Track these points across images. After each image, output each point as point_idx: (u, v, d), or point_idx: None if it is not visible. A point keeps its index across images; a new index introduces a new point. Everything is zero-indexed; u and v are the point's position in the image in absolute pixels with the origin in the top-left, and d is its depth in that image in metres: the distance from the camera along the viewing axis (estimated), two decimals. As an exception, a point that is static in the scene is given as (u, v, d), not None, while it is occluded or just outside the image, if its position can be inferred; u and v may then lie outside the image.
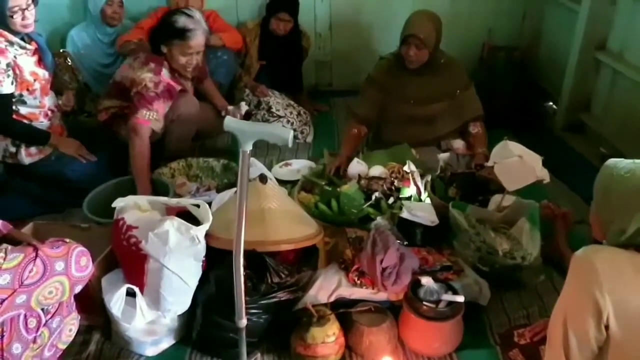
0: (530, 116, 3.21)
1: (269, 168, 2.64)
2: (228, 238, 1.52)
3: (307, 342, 1.58)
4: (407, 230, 1.98)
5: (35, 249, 1.33)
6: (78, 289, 1.42)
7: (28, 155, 2.30)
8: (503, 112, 2.99)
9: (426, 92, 2.56)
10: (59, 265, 1.34)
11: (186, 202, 1.75)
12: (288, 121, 3.01)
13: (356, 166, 2.43)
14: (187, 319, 1.72)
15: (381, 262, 1.69)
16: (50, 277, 1.32)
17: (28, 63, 2.19)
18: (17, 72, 2.14)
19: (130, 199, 1.72)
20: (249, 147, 1.22)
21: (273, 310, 1.64)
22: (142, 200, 1.74)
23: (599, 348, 1.14)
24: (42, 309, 1.39)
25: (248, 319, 1.38)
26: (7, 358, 1.33)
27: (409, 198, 2.20)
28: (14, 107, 2.20)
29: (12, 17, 2.06)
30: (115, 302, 1.59)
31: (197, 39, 2.33)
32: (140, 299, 1.59)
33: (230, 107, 2.71)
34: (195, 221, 1.65)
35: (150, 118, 2.32)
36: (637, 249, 1.12)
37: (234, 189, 2.08)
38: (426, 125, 2.64)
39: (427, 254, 1.90)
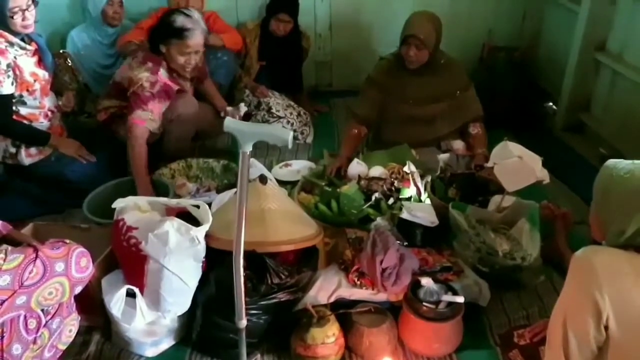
0: (530, 117, 3.21)
1: (269, 169, 2.64)
2: (228, 239, 1.52)
3: (307, 342, 1.58)
4: (407, 230, 1.98)
5: (35, 250, 1.33)
6: (78, 289, 1.42)
7: (28, 156, 2.30)
8: (503, 113, 2.99)
9: (426, 93, 2.57)
10: (59, 266, 1.35)
11: (186, 202, 1.75)
12: (288, 122, 3.01)
13: (356, 167, 2.43)
14: (187, 320, 1.72)
15: (381, 262, 1.69)
16: (50, 278, 1.32)
17: (28, 64, 2.20)
18: (17, 72, 2.15)
19: (130, 200, 1.72)
20: (248, 148, 1.22)
21: (273, 311, 1.64)
22: (142, 201, 1.74)
23: (598, 348, 1.14)
24: (42, 310, 1.39)
25: (248, 320, 1.38)
26: (7, 359, 1.33)
27: (408, 199, 2.20)
28: (14, 108, 2.21)
29: (12, 17, 2.06)
30: (115, 302, 1.59)
31: (196, 39, 2.33)
32: (140, 300, 1.59)
33: (229, 108, 2.71)
34: (195, 222, 1.65)
35: (145, 118, 2.32)
36: (637, 249, 1.12)
37: (234, 190, 2.08)
38: (426, 125, 2.64)
39: (427, 255, 1.90)
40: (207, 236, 1.65)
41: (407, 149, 2.54)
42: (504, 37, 3.56)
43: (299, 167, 2.70)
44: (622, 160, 1.21)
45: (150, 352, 1.67)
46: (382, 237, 1.78)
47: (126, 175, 2.42)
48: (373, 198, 2.20)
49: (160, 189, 2.31)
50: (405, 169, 2.25)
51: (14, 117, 2.22)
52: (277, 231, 1.73)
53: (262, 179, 1.84)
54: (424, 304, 1.60)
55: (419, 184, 2.20)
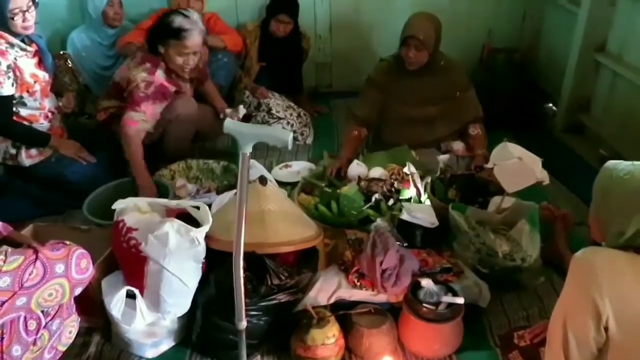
0: (529, 117, 3.21)
1: (269, 170, 2.64)
2: (228, 240, 1.52)
3: (307, 343, 1.58)
4: (407, 231, 1.98)
5: (36, 252, 1.33)
6: (78, 291, 1.42)
7: (28, 157, 2.30)
8: (503, 114, 2.99)
9: (426, 94, 2.57)
10: (59, 268, 1.35)
11: (186, 203, 1.75)
12: (288, 123, 3.01)
13: (356, 168, 2.43)
14: (187, 321, 1.72)
15: (381, 263, 1.69)
16: (50, 279, 1.32)
17: (28, 65, 2.20)
18: (18, 73, 2.15)
19: (130, 201, 1.72)
20: (248, 149, 1.23)
21: (273, 312, 1.64)
22: (142, 202, 1.74)
23: (598, 350, 1.14)
24: (42, 311, 1.39)
25: (248, 321, 1.38)
26: (7, 360, 1.34)
27: (408, 200, 2.20)
28: (14, 109, 2.21)
29: (12, 19, 2.06)
30: (115, 304, 1.59)
31: (194, 39, 2.33)
32: (140, 301, 1.59)
33: (228, 110, 2.71)
34: (195, 223, 1.65)
35: (138, 119, 2.33)
36: (636, 250, 1.12)
37: (234, 191, 2.08)
38: (426, 126, 2.65)
39: (427, 256, 1.90)
40: (207, 237, 1.65)
41: (407, 150, 2.54)
42: (504, 38, 3.56)
43: (298, 168, 2.70)
44: (621, 161, 1.21)
45: (150, 353, 1.67)
46: (382, 238, 1.78)
47: (126, 176, 2.42)
48: (373, 199, 2.20)
49: (160, 190, 2.31)
50: (405, 170, 2.25)
51: (14, 118, 2.22)
52: (277, 232, 1.73)
53: (262, 180, 1.85)
54: (424, 305, 1.60)
55: (419, 185, 2.20)
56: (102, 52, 3.09)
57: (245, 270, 1.36)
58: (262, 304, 1.61)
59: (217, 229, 1.67)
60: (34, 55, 2.24)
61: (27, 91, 2.21)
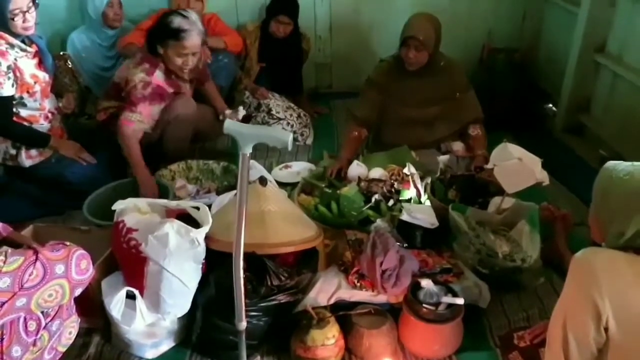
0: (529, 118, 3.21)
1: (269, 170, 2.64)
2: (228, 240, 1.52)
3: (307, 344, 1.58)
4: (406, 232, 1.98)
5: (36, 252, 1.33)
6: (78, 292, 1.42)
7: (28, 158, 2.30)
8: (503, 114, 2.99)
9: (426, 95, 2.57)
10: (59, 269, 1.35)
11: (186, 204, 1.76)
12: (288, 123, 3.02)
13: (356, 168, 2.43)
14: (187, 322, 1.72)
15: (381, 264, 1.69)
16: (50, 280, 1.32)
17: (28, 65, 2.20)
18: (18, 74, 2.15)
19: (130, 202, 1.72)
20: (248, 150, 1.23)
21: (273, 312, 1.64)
22: (142, 202, 1.74)
23: (598, 350, 1.14)
24: (42, 312, 1.39)
25: (248, 322, 1.38)
26: (6, 361, 1.34)
27: (408, 200, 2.20)
28: (14, 110, 2.21)
29: (13, 19, 2.06)
30: (115, 304, 1.59)
31: (192, 40, 2.33)
32: (140, 302, 1.59)
33: (227, 111, 2.71)
34: (195, 223, 1.65)
35: (134, 120, 2.34)
36: (636, 251, 1.12)
37: (234, 192, 2.08)
38: (426, 127, 2.65)
39: (427, 257, 1.90)
40: (207, 238, 1.65)
41: (407, 150, 2.54)
42: (504, 38, 3.57)
43: (298, 169, 2.70)
44: (621, 162, 1.21)
45: (150, 353, 1.67)
46: (382, 238, 1.78)
47: (126, 177, 2.42)
48: (373, 200, 2.20)
49: (160, 191, 2.31)
50: (405, 170, 2.25)
51: (14, 118, 2.22)
52: (277, 233, 1.73)
53: (262, 181, 1.85)
54: (424, 305, 1.60)
55: (419, 186, 2.20)
56: (101, 53, 3.10)
57: (245, 270, 1.36)
58: (262, 304, 1.61)
59: (217, 230, 1.67)
60: (34, 56, 2.24)
61: (27, 92, 2.21)
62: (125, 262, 1.67)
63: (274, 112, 3.03)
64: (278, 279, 1.63)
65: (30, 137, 2.30)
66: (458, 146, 2.66)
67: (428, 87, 2.55)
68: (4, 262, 1.27)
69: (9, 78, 2.11)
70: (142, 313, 1.59)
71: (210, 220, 1.64)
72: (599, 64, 2.88)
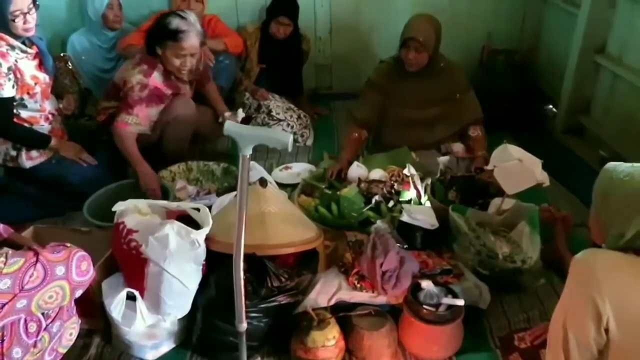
0: (530, 119, 3.21)
1: (269, 171, 2.64)
2: (228, 242, 1.52)
3: (307, 345, 1.58)
4: (407, 233, 1.98)
5: (36, 254, 1.33)
6: (78, 293, 1.42)
7: (29, 159, 2.30)
8: (503, 115, 2.99)
9: (426, 96, 2.57)
10: (60, 270, 1.35)
11: (186, 205, 1.76)
12: (288, 124, 3.02)
13: (356, 169, 2.43)
14: (187, 323, 1.72)
15: (381, 265, 1.69)
16: (51, 281, 1.32)
17: (29, 67, 2.20)
18: (18, 75, 2.15)
19: (130, 203, 1.72)
20: (248, 151, 1.23)
21: (273, 313, 1.64)
22: (142, 204, 1.74)
23: (599, 351, 1.14)
24: (43, 314, 1.39)
25: (248, 323, 1.38)
26: (7, 362, 1.33)
27: (409, 201, 2.20)
28: (14, 111, 2.21)
29: (13, 20, 2.06)
30: (116, 305, 1.59)
31: (190, 41, 2.33)
32: (140, 303, 1.59)
33: (227, 114, 2.71)
34: (195, 225, 1.65)
35: (131, 122, 2.35)
36: (637, 252, 1.12)
37: (234, 193, 2.08)
38: (426, 128, 2.65)
39: (427, 258, 1.90)
40: (207, 239, 1.65)
41: (407, 151, 2.54)
42: (504, 39, 3.57)
43: (299, 170, 2.70)
44: (621, 163, 1.21)
45: (151, 355, 1.67)
46: (382, 239, 1.78)
47: (127, 178, 2.42)
48: (373, 201, 2.20)
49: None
50: (405, 171, 2.26)
51: (15, 120, 2.22)
52: (277, 234, 1.73)
53: (262, 182, 1.85)
54: (424, 306, 1.60)
55: (419, 187, 2.20)
56: (101, 55, 3.10)
57: (245, 272, 1.36)
58: (262, 305, 1.61)
59: (217, 231, 1.67)
60: (35, 57, 2.24)
61: (28, 93, 2.21)
62: (126, 264, 1.67)
63: (274, 113, 3.03)
64: (278, 280, 1.63)
65: (30, 139, 2.30)
66: (458, 147, 2.66)
67: (428, 88, 2.55)
68: (5, 264, 1.27)
69: (9, 79, 2.11)
70: (142, 314, 1.59)
71: (211, 221, 1.64)
72: (599, 65, 2.88)
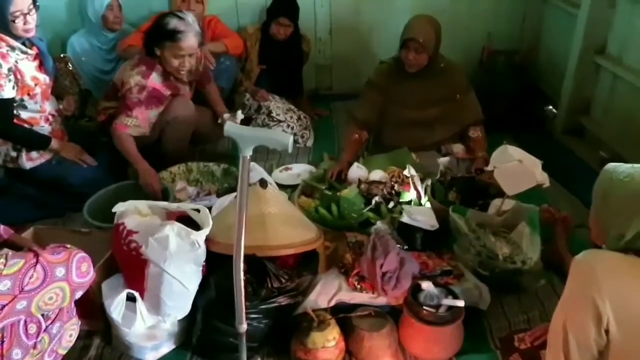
0: (530, 120, 3.22)
1: (269, 172, 2.64)
2: (228, 243, 1.52)
3: (307, 346, 1.58)
4: (407, 234, 1.98)
5: (36, 255, 1.33)
6: (79, 294, 1.42)
7: (29, 160, 2.30)
8: (503, 116, 2.99)
9: (426, 96, 2.57)
10: (60, 271, 1.35)
11: (186, 206, 1.76)
12: (288, 125, 3.02)
13: (356, 170, 2.43)
14: (187, 324, 1.72)
15: (381, 266, 1.69)
16: (51, 283, 1.32)
17: (29, 68, 2.20)
18: (19, 76, 2.15)
19: (130, 204, 1.72)
20: (249, 152, 1.23)
21: (273, 314, 1.64)
22: (142, 205, 1.74)
23: (599, 352, 1.14)
24: (43, 315, 1.39)
25: (248, 324, 1.38)
26: (7, 363, 1.33)
27: (409, 202, 2.20)
28: (15, 112, 2.21)
29: (13, 21, 2.06)
30: (116, 307, 1.59)
31: (189, 41, 2.33)
32: (140, 304, 1.59)
33: (226, 115, 2.71)
34: (195, 226, 1.65)
35: (130, 124, 2.35)
36: (637, 253, 1.12)
37: (234, 194, 2.08)
38: (426, 129, 2.65)
39: (427, 259, 1.90)
40: (208, 240, 1.65)
41: (407, 152, 2.54)
42: (504, 40, 3.57)
43: (299, 171, 2.70)
44: (622, 163, 1.21)
45: (151, 356, 1.67)
46: (382, 240, 1.78)
47: (127, 179, 2.42)
48: (373, 202, 2.20)
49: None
50: (406, 172, 2.25)
51: (15, 121, 2.22)
52: (278, 235, 1.73)
53: (263, 183, 1.85)
54: (425, 307, 1.60)
55: (419, 188, 2.20)
56: (101, 57, 3.10)
57: (245, 273, 1.36)
58: (262, 306, 1.61)
59: (217, 232, 1.67)
60: (35, 58, 2.24)
61: (28, 94, 2.21)
62: (126, 265, 1.67)
63: (274, 114, 3.03)
64: (278, 281, 1.63)
65: (30, 139, 2.30)
66: (458, 148, 2.66)
67: (428, 89, 2.55)
68: (5, 265, 1.27)
69: (9, 80, 2.11)
70: (142, 315, 1.59)
71: (211, 222, 1.64)
72: (599, 65, 2.88)
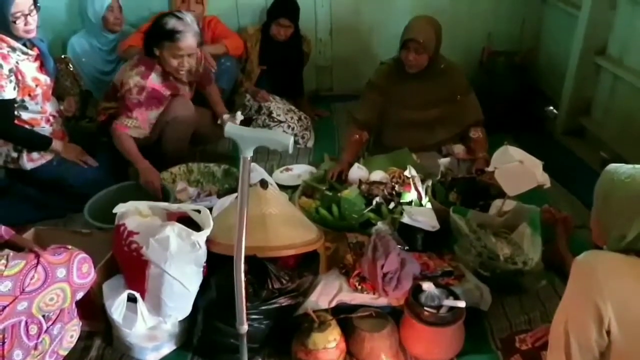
0: (530, 120, 3.22)
1: (270, 173, 2.64)
2: (229, 243, 1.52)
3: (308, 347, 1.58)
4: (408, 235, 1.98)
5: (37, 256, 1.33)
6: (79, 295, 1.42)
7: (30, 161, 2.31)
8: (503, 117, 2.99)
9: (426, 97, 2.57)
10: (61, 272, 1.35)
11: (187, 207, 1.76)
12: (289, 126, 3.02)
13: (357, 171, 2.43)
14: (188, 325, 1.72)
15: (382, 267, 1.69)
16: (52, 284, 1.33)
17: (30, 69, 2.20)
18: (19, 77, 2.15)
19: (131, 205, 1.72)
20: (249, 153, 1.23)
21: (274, 315, 1.64)
22: (143, 205, 1.74)
23: (600, 353, 1.14)
24: (43, 316, 1.39)
25: (249, 325, 1.38)
26: (8, 364, 1.33)
27: (409, 203, 2.20)
28: (15, 113, 2.21)
29: (14, 22, 2.06)
30: (117, 307, 1.59)
31: (187, 41, 2.33)
32: (141, 305, 1.59)
33: (226, 116, 2.71)
34: (196, 226, 1.65)
35: (130, 125, 2.35)
36: (638, 254, 1.12)
37: (235, 195, 2.08)
38: (426, 130, 2.65)
39: (428, 259, 1.90)
40: (208, 241, 1.65)
41: (407, 153, 2.54)
42: (504, 41, 3.57)
43: (299, 172, 2.70)
44: (623, 164, 1.21)
45: (152, 357, 1.67)
46: (383, 241, 1.78)
47: (128, 180, 2.42)
48: (374, 202, 2.20)
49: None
50: (406, 173, 2.25)
51: (16, 121, 2.22)
52: (278, 236, 1.73)
53: (263, 184, 1.85)
54: (425, 308, 1.60)
55: (420, 188, 2.20)
56: (102, 58, 3.10)
57: (246, 273, 1.36)
58: (263, 307, 1.61)
59: (218, 233, 1.67)
60: (36, 59, 2.24)
61: (29, 95, 2.22)
62: (127, 265, 1.67)
63: (274, 115, 3.03)
64: (279, 282, 1.63)
65: (31, 140, 2.30)
66: (459, 149, 2.66)
67: (428, 90, 2.55)
68: (6, 266, 1.27)
69: (10, 81, 2.11)
70: (143, 316, 1.59)
71: (211, 223, 1.64)
72: (599, 66, 2.88)
